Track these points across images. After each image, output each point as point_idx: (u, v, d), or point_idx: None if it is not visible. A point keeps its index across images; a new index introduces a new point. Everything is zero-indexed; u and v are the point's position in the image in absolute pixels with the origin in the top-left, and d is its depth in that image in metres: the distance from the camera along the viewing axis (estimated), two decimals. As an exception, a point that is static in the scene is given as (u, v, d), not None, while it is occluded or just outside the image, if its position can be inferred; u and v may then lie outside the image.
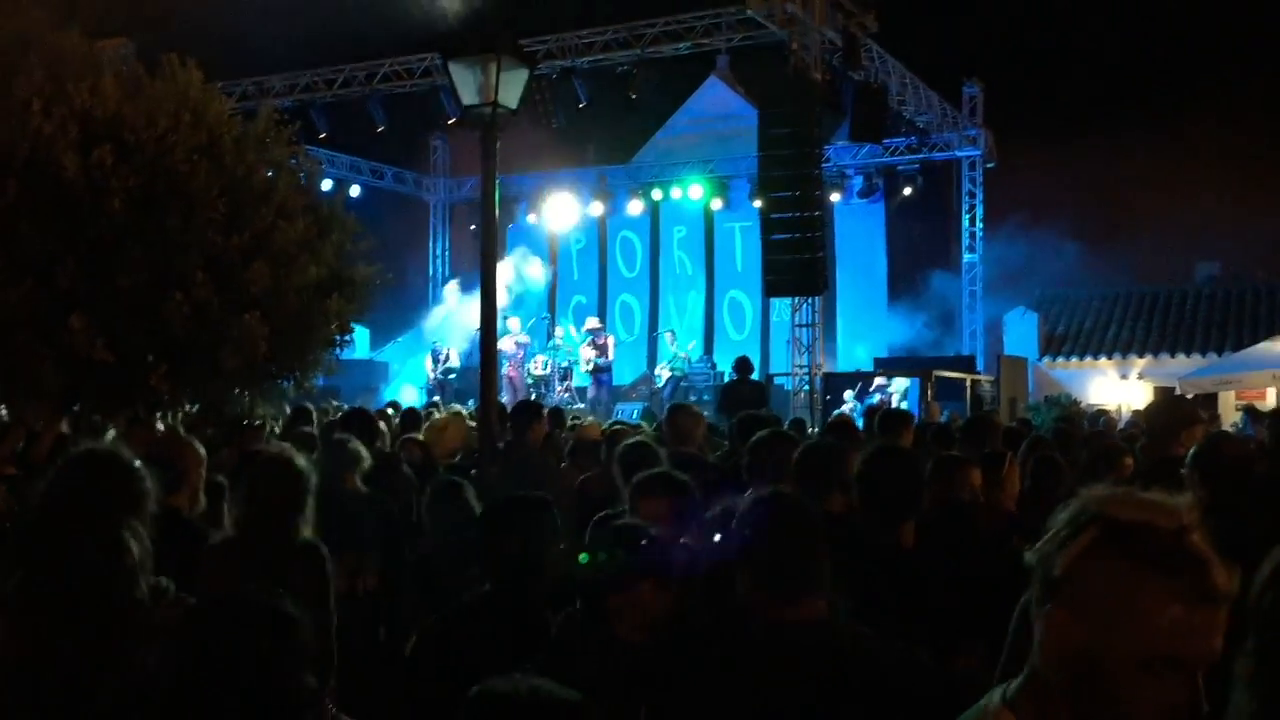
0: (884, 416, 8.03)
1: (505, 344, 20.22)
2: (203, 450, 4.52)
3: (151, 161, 5.57)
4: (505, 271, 23.10)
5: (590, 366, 20.57)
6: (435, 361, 21.98)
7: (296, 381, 6.74)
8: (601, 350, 20.56)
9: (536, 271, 25.22)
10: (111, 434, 7.00)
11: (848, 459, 4.15)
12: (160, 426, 6.45)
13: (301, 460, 4.25)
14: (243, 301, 5.66)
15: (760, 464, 4.66)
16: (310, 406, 10.11)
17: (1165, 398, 15.75)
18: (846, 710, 2.49)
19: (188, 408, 7.55)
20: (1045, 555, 1.62)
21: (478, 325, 8.23)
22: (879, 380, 18.48)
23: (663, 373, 21.18)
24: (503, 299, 22.15)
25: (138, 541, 2.86)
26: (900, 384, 17.39)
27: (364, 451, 6.06)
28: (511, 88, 7.84)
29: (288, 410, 9.27)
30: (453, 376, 21.73)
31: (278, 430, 9.05)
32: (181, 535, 4.01)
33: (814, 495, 4.40)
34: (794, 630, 2.62)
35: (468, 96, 7.89)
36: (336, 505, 6.06)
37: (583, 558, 2.96)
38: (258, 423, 7.36)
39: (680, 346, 21.23)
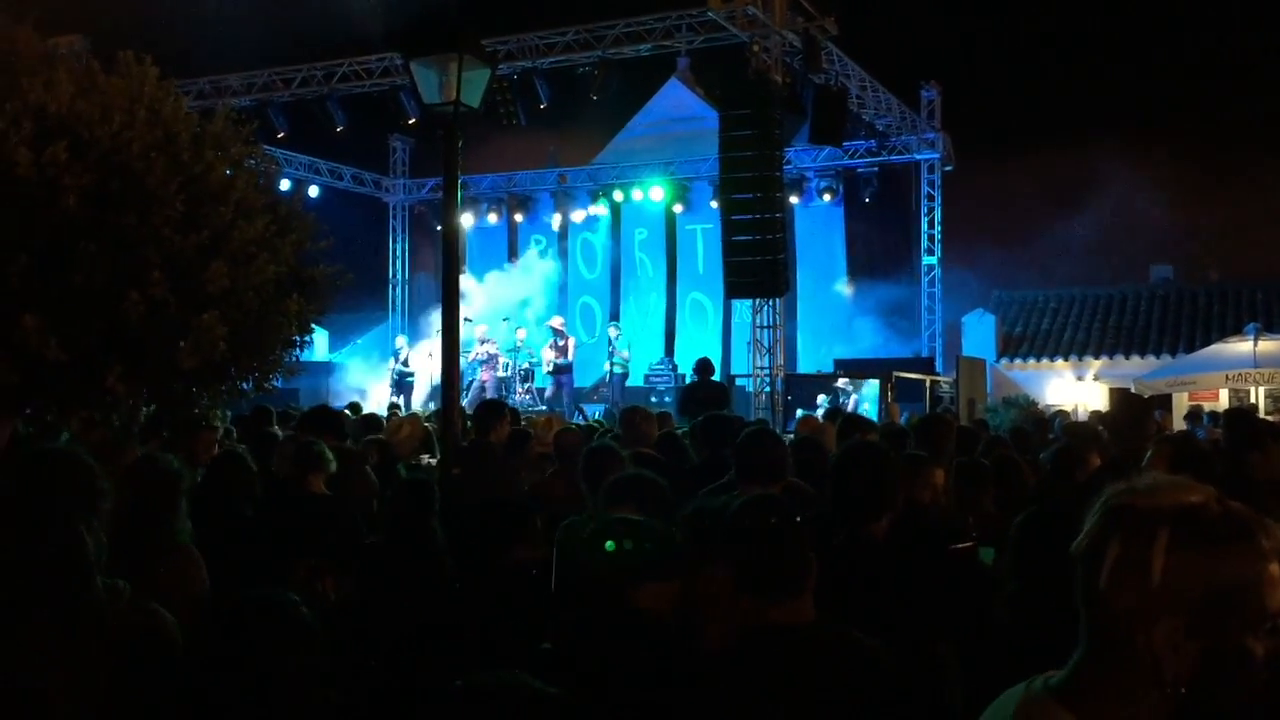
0: (845, 420, 8.08)
1: (479, 350, 20.30)
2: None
3: (106, 158, 5.47)
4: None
5: (551, 367, 20.54)
6: (395, 360, 21.99)
7: (256, 382, 6.65)
8: (562, 351, 20.53)
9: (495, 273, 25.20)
10: (65, 436, 6.89)
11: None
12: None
13: (174, 462, 4.32)
14: (201, 300, 5.57)
15: (750, 461, 4.65)
16: (271, 407, 10.02)
17: (1124, 397, 15.95)
18: (835, 712, 2.49)
19: (144, 409, 7.44)
20: (1093, 555, 1.65)
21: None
22: (841, 383, 18.57)
23: (607, 368, 21.24)
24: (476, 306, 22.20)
25: (94, 539, 2.79)
26: (869, 388, 17.49)
27: (329, 454, 5.99)
28: (473, 87, 7.79)
29: (231, 414, 9.16)
30: (410, 377, 21.69)
31: (233, 433, 8.96)
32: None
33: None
34: (781, 632, 2.61)
35: (429, 95, 7.83)
36: (298, 508, 6.02)
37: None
38: (215, 425, 7.27)
39: (620, 346, 21.18)
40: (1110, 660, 1.64)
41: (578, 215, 25.85)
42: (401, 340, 22.80)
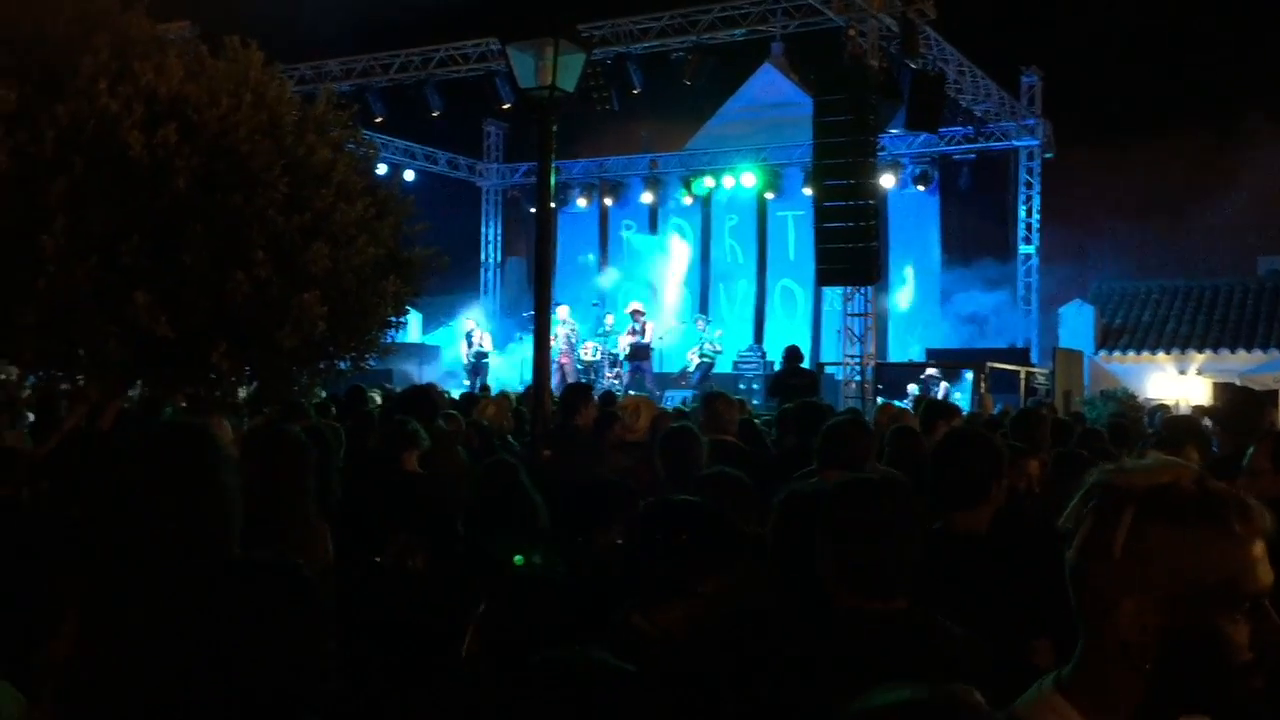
0: (927, 407, 7.93)
1: (559, 333, 20.24)
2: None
3: (214, 141, 5.62)
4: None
5: (628, 351, 20.47)
6: (469, 344, 22.05)
7: (353, 361, 6.79)
8: (640, 334, 20.44)
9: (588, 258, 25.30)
10: (168, 411, 7.11)
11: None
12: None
13: (301, 435, 4.40)
14: (302, 281, 5.70)
15: (834, 450, 4.61)
16: (365, 387, 10.23)
17: (1235, 390, 15.41)
18: None
19: (243, 387, 7.64)
20: (1093, 550, 1.62)
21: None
22: (930, 372, 18.33)
23: (692, 358, 21.18)
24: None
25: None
26: (961, 378, 17.25)
27: (423, 433, 6.10)
28: (569, 71, 7.84)
29: (326, 393, 9.37)
30: (485, 358, 21.82)
31: (331, 410, 9.15)
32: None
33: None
34: (877, 622, 2.58)
35: (525, 80, 7.90)
36: (392, 485, 6.14)
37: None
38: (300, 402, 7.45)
39: (709, 333, 21.13)
40: (1092, 642, 1.64)
41: (668, 201, 25.83)
42: (471, 323, 22.83)
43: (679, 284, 26.06)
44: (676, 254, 26.16)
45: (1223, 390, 16.24)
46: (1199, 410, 12.48)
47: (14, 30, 5.51)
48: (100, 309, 5.08)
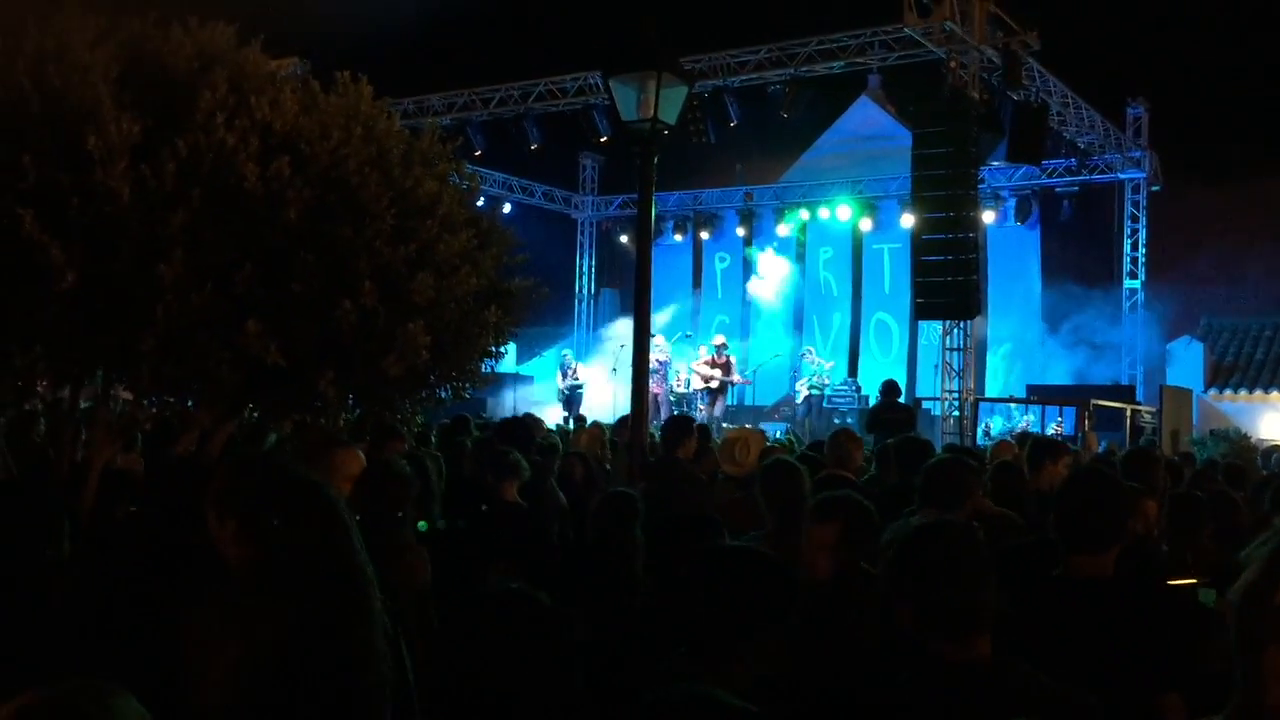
0: (1034, 445, 7.71)
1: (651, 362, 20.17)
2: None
3: (325, 173, 5.72)
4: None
5: (713, 384, 20.38)
6: (564, 375, 22.23)
7: (454, 390, 6.83)
8: (724, 369, 20.38)
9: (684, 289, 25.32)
10: (273, 438, 7.24)
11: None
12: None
13: (406, 466, 4.65)
14: (407, 310, 5.76)
15: (935, 488, 4.51)
16: (468, 416, 10.32)
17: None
18: None
19: (346, 415, 7.78)
20: (1254, 594, 1.60)
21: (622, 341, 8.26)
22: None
23: (801, 390, 21.01)
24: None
25: None
26: (1052, 413, 16.85)
27: (524, 463, 6.14)
28: (671, 104, 7.88)
29: (425, 421, 9.46)
30: (580, 389, 21.94)
31: (431, 440, 9.25)
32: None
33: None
34: (963, 670, 2.49)
35: (627, 112, 7.96)
36: (492, 514, 6.18)
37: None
38: (402, 433, 7.53)
39: (819, 365, 20.98)
40: (1243, 689, 1.63)
41: (763, 233, 25.77)
42: (568, 354, 23.07)
43: (773, 317, 25.95)
44: (770, 287, 26.06)
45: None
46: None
47: (136, 67, 5.69)
48: (214, 336, 5.18)
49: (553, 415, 20.60)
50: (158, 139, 5.25)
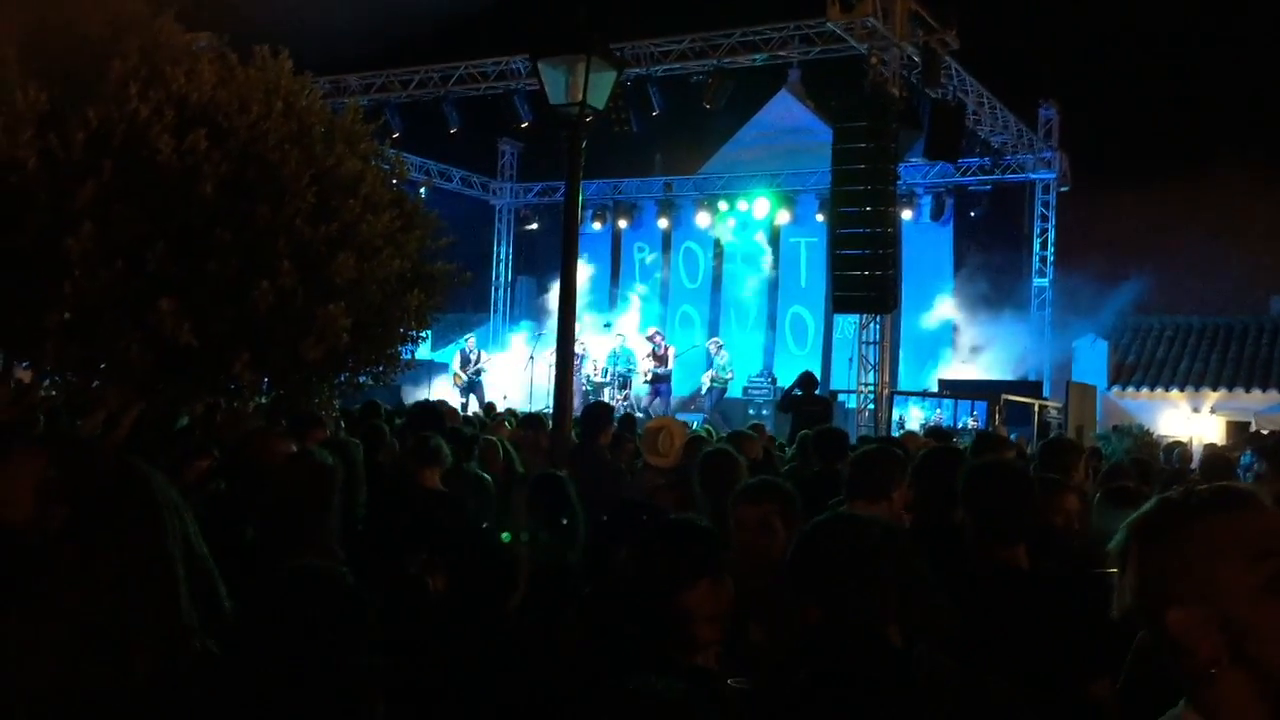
0: (980, 437, 7.82)
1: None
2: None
3: (244, 148, 5.56)
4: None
5: (650, 376, 20.50)
6: (465, 363, 21.90)
7: (375, 376, 6.70)
8: (662, 360, 20.48)
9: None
10: (184, 420, 7.02)
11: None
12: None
13: (328, 458, 4.36)
14: (327, 291, 5.62)
15: (862, 479, 4.51)
16: (378, 402, 10.12)
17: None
18: None
19: (260, 398, 7.56)
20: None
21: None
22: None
23: (705, 382, 21.16)
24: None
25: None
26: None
27: (446, 449, 6.00)
28: (599, 89, 7.78)
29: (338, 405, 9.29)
30: (480, 377, 21.69)
31: (341, 425, 9.05)
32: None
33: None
34: (871, 657, 2.49)
35: (555, 96, 7.84)
36: (412, 502, 6.03)
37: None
38: (326, 424, 7.35)
39: (723, 358, 21.15)
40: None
41: (682, 224, 25.81)
42: (472, 340, 22.72)
43: (690, 308, 26.02)
44: (687, 277, 26.11)
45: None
46: (1235, 442, 12.33)
47: (44, 33, 5.45)
48: (124, 315, 4.99)
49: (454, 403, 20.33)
50: (66, 107, 5.04)
